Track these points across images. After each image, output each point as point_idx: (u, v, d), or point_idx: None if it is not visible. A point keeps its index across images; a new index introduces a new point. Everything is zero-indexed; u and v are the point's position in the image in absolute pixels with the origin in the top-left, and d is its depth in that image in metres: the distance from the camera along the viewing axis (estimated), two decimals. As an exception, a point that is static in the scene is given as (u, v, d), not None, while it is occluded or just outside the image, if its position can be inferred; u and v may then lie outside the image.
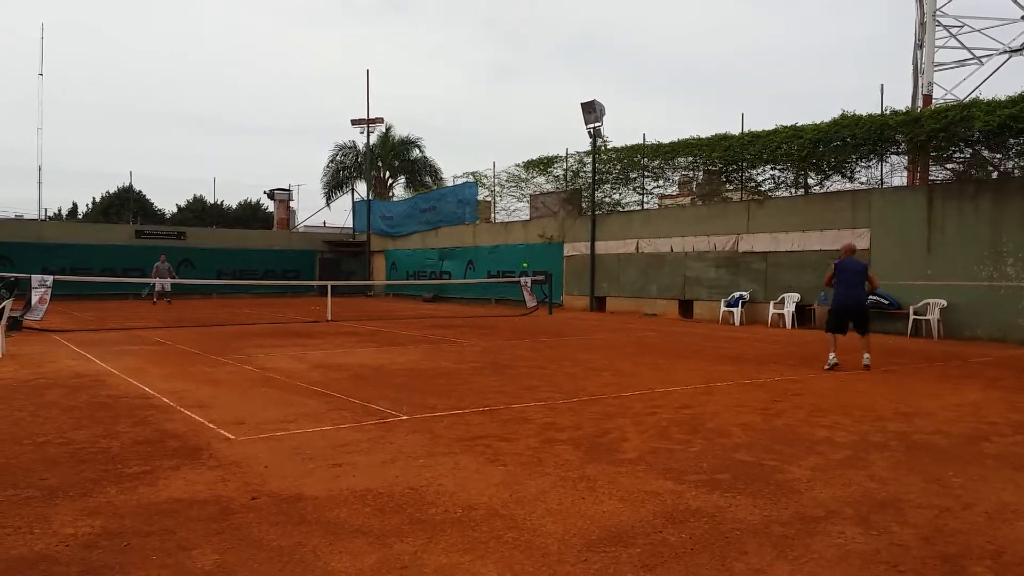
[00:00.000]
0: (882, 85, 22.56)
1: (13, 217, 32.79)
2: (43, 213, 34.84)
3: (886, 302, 16.03)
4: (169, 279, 24.77)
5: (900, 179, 17.80)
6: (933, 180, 16.89)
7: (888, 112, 17.12)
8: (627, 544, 3.48)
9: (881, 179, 17.56)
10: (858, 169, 18.00)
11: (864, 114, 17.35)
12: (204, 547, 3.40)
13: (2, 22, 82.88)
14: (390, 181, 40.69)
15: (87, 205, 47.56)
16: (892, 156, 17.52)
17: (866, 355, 9.82)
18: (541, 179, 27.02)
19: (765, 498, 4.21)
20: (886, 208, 16.60)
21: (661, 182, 23.18)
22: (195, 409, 6.66)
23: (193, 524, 3.70)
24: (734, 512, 3.96)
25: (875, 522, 3.84)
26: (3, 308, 10.68)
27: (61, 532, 3.56)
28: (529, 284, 22.99)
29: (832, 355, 9.70)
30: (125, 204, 39.40)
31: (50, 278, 15.74)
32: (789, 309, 17.63)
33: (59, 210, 47.13)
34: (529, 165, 27.05)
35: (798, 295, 17.79)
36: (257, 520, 3.77)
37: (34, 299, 15.02)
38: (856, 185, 17.98)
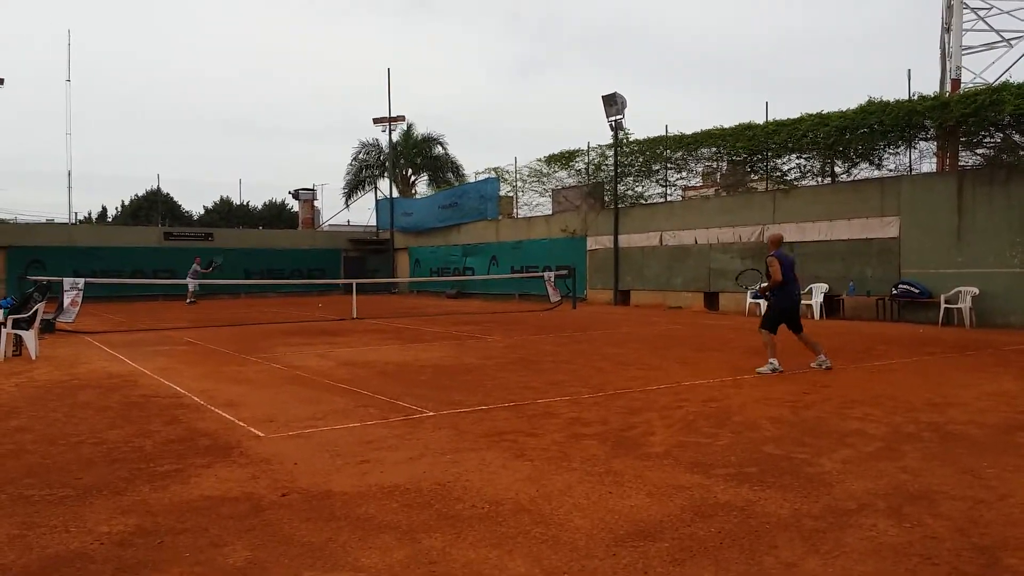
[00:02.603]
0: (909, 70, 22.26)
1: (44, 221, 33.40)
2: (73, 217, 35.51)
3: (916, 291, 15.78)
4: (197, 280, 25.18)
5: (929, 165, 17.50)
6: (963, 166, 16.56)
7: (916, 97, 16.83)
8: (655, 539, 3.46)
9: (910, 166, 17.28)
10: (886, 156, 17.72)
11: (891, 100, 17.08)
12: (236, 544, 3.45)
13: (30, 30, 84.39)
14: (413, 178, 40.84)
15: (116, 209, 48.34)
16: (921, 142, 17.22)
17: (821, 355, 9.00)
18: (563, 173, 26.96)
19: (795, 491, 4.17)
20: (915, 195, 16.32)
21: (684, 173, 23.00)
22: (225, 408, 6.74)
23: (225, 521, 3.75)
24: (764, 506, 3.92)
25: (908, 514, 3.78)
26: (36, 311, 10.88)
27: (96, 530, 3.63)
28: (553, 279, 22.96)
29: (774, 360, 8.73)
30: (153, 207, 39.98)
31: (81, 281, 16.01)
32: (817, 300, 17.41)
33: (89, 214, 47.92)
34: (551, 159, 26.99)
35: (826, 285, 17.56)
36: (287, 516, 3.81)
37: (66, 302, 15.30)
38: (884, 172, 17.70)
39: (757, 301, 18.50)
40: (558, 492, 4.18)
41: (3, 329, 10.51)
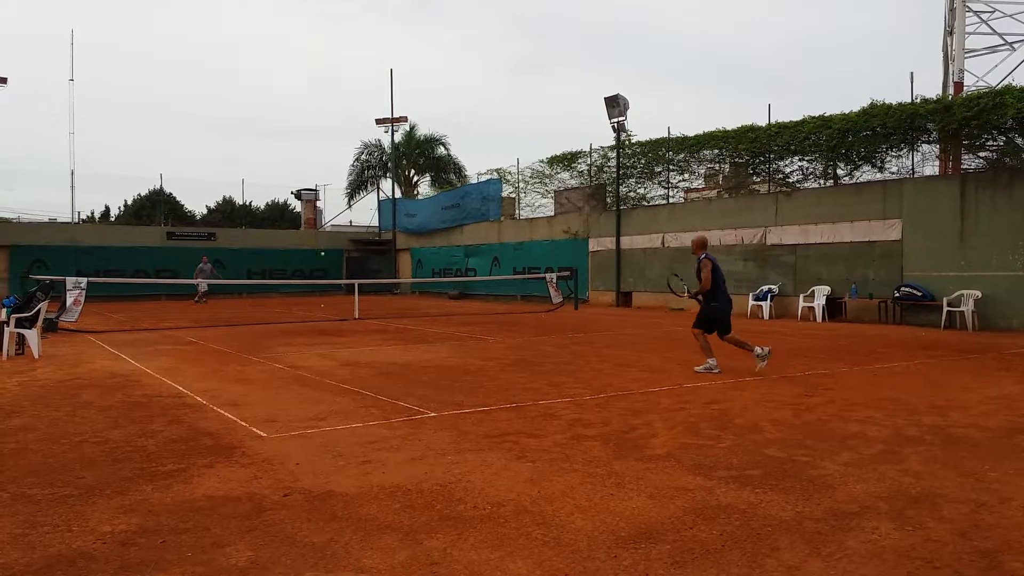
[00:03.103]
0: (912, 73, 22.31)
1: (47, 221, 33.44)
2: (76, 216, 35.51)
3: (919, 294, 15.77)
4: (210, 280, 25.42)
5: (932, 168, 17.49)
6: (966, 169, 16.55)
7: (919, 100, 16.83)
8: (657, 541, 3.47)
9: (912, 169, 17.27)
10: (888, 159, 17.71)
11: (894, 103, 17.08)
12: (238, 544, 3.45)
13: (34, 30, 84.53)
14: (415, 179, 40.86)
15: (119, 208, 48.37)
16: (923, 145, 17.22)
17: (757, 349, 8.78)
18: (565, 175, 26.97)
19: (797, 494, 4.17)
20: (918, 198, 16.31)
21: (687, 175, 23.00)
22: (228, 407, 6.75)
23: (227, 521, 3.76)
24: (766, 508, 3.92)
25: (910, 517, 3.78)
26: (39, 310, 10.90)
27: (98, 529, 3.64)
28: (555, 280, 22.96)
29: (711, 360, 8.75)
30: (156, 206, 40.00)
31: (84, 280, 16.05)
32: (819, 302, 17.40)
33: (92, 213, 47.95)
34: (553, 161, 26.99)
35: (828, 288, 17.56)
36: (289, 517, 3.82)
37: (69, 301, 15.33)
38: (887, 175, 17.70)
39: (759, 303, 18.51)
40: (559, 493, 4.18)
41: (6, 328, 10.53)
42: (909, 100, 16.98)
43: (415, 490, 4.25)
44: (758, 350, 8.74)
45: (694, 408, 6.66)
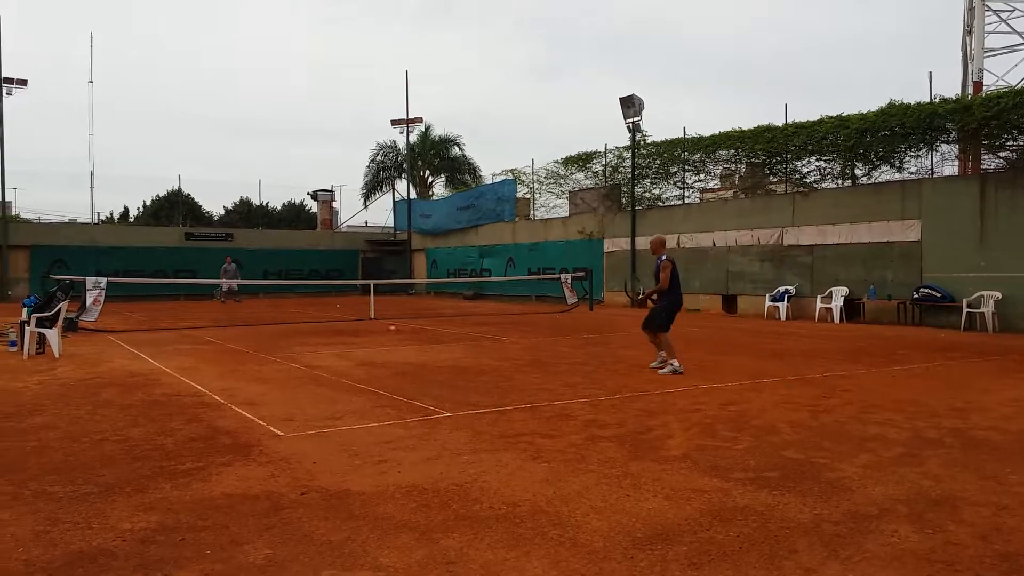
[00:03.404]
0: (931, 73, 22.03)
1: (67, 221, 33.83)
2: (96, 217, 35.91)
3: (938, 295, 15.62)
4: (236, 280, 25.88)
5: (951, 168, 17.30)
6: (985, 169, 16.37)
7: (938, 100, 16.66)
8: (673, 542, 3.46)
9: (931, 169, 17.10)
10: (907, 159, 17.54)
11: (913, 102, 16.92)
12: (256, 541, 3.48)
13: (53, 32, 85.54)
14: (430, 180, 40.96)
15: (138, 209, 48.81)
16: (942, 145, 17.03)
17: (660, 355, 9.12)
18: (580, 175, 26.93)
19: (815, 496, 4.14)
20: (937, 198, 16.15)
21: (702, 176, 22.90)
22: (245, 406, 6.80)
23: (245, 519, 3.79)
24: (783, 510, 3.90)
25: (930, 520, 3.75)
26: (59, 310, 11.03)
27: (118, 527, 3.67)
28: (569, 281, 22.94)
29: (675, 361, 8.82)
30: (174, 207, 40.38)
31: (104, 280, 16.22)
32: (837, 303, 17.27)
33: (111, 214, 48.44)
34: (568, 161, 26.96)
35: (846, 289, 17.42)
36: (307, 515, 3.84)
37: (88, 300, 15.50)
38: (905, 175, 17.53)
39: (776, 304, 18.40)
40: (575, 494, 4.18)
41: (27, 327, 10.66)
42: (928, 100, 16.82)
43: (431, 489, 4.27)
44: (660, 357, 9.05)
45: (710, 409, 6.64)
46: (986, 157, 16.66)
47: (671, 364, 8.81)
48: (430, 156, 39.82)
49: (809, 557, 3.28)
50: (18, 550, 3.36)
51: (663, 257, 9.18)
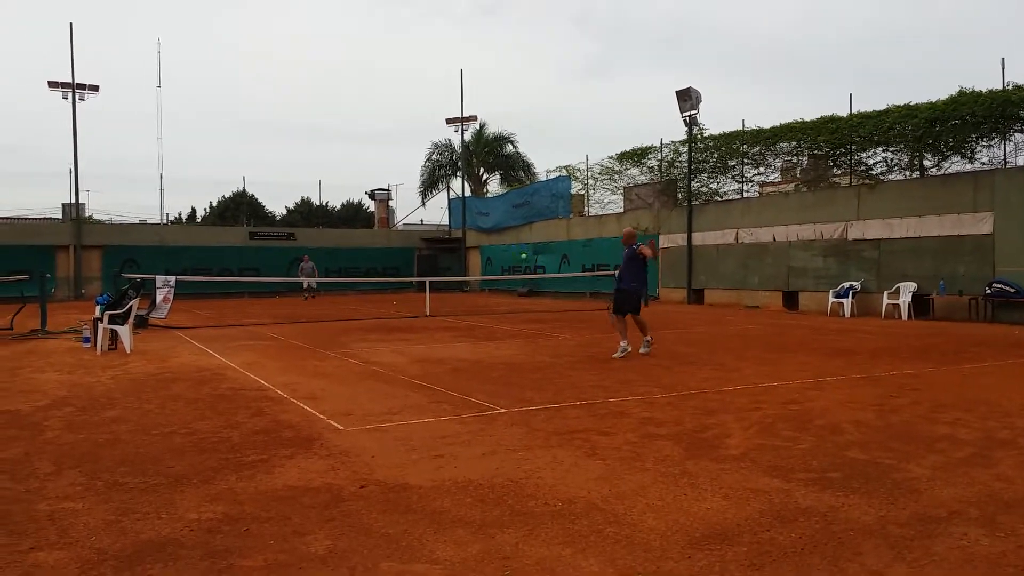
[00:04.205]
0: (1003, 59, 21.03)
1: (138, 222, 35.14)
2: (165, 218, 37.27)
3: (1012, 290, 14.96)
4: (315, 277, 26.96)
5: (1026, 158, 16.54)
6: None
7: (1011, 87, 15.94)
8: (733, 542, 3.40)
9: (1004, 159, 16.37)
10: (979, 149, 16.84)
11: (984, 90, 16.22)
12: (317, 533, 3.56)
13: (124, 38, 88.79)
14: (485, 177, 41.12)
15: (205, 209, 50.44)
16: (1016, 134, 16.28)
17: (646, 338, 10.27)
18: (635, 171, 26.68)
19: (881, 497, 4.01)
20: (1010, 189, 15.46)
21: (762, 169, 22.41)
22: (307, 401, 6.96)
23: (307, 511, 3.87)
24: (847, 512, 3.79)
25: (1002, 523, 3.60)
26: (131, 307, 11.46)
27: (186, 517, 3.80)
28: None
29: (623, 343, 9.96)
30: (239, 207, 41.57)
31: (173, 278, 16.79)
32: (905, 299, 16.69)
33: (179, 215, 50.15)
34: (623, 157, 26.73)
35: (915, 284, 16.82)
36: (366, 508, 3.91)
37: (159, 298, 16.07)
38: (977, 166, 16.83)
39: (840, 300, 17.90)
40: (631, 492, 4.15)
41: (100, 324, 11.12)
42: (1000, 87, 16.11)
43: (486, 485, 4.29)
44: (648, 341, 10.27)
45: (770, 408, 6.50)
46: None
47: (623, 345, 9.89)
48: (484, 154, 39.97)
49: (875, 560, 3.18)
50: (91, 539, 3.51)
51: (636, 246, 10.21)
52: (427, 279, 21.61)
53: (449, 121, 36.56)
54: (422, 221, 42.77)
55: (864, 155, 19.24)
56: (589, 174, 28.79)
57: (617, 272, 10.49)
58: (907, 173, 18.35)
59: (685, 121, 23.05)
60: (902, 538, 3.43)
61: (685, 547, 3.34)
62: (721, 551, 3.29)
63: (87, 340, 11.72)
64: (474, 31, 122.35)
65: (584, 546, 3.36)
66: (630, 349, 9.94)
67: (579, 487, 4.24)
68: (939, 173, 17.56)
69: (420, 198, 41.03)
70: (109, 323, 11.15)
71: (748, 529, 3.56)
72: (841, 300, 17.92)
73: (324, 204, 45.70)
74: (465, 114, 35.70)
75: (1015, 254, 15.20)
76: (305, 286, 27.34)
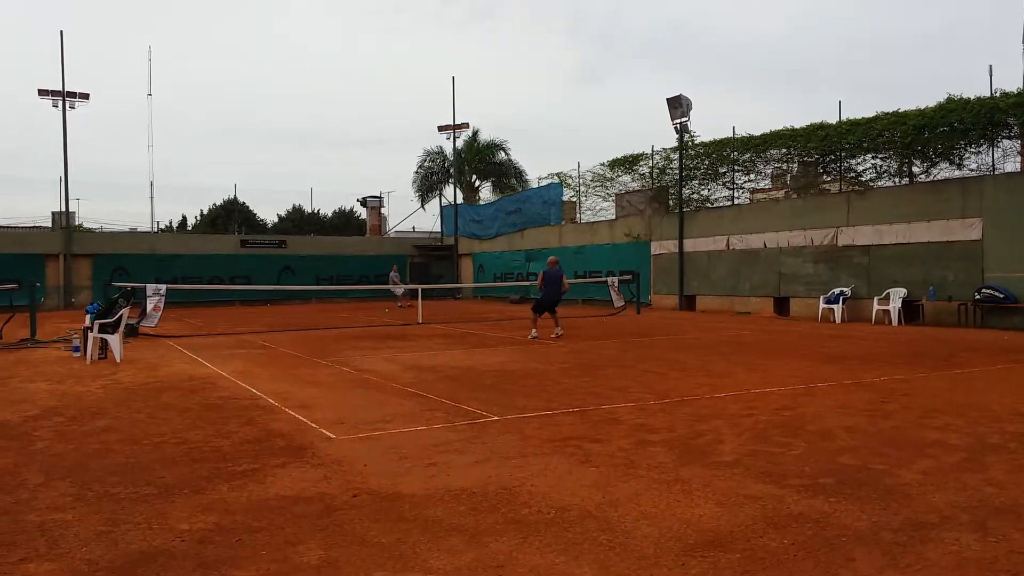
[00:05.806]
0: (991, 67, 21.22)
1: (128, 230, 34.97)
2: (155, 226, 37.09)
3: (1001, 295, 15.07)
4: (401, 285, 27.63)
5: (1013, 164, 16.67)
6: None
7: (998, 94, 16.08)
8: (726, 549, 3.40)
9: (993, 165, 16.51)
10: (967, 155, 16.97)
11: (972, 97, 16.38)
12: (310, 542, 3.54)
13: (114, 46, 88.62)
14: (477, 184, 41.14)
15: (195, 217, 50.13)
16: (1004, 140, 16.44)
17: (558, 328, 14.26)
18: (627, 178, 26.74)
19: (873, 503, 4.03)
20: (999, 196, 15.59)
21: (752, 176, 22.50)
22: (298, 409, 6.94)
23: (299, 520, 3.86)
24: (840, 517, 3.81)
25: (993, 528, 3.62)
26: (121, 316, 11.40)
27: (177, 527, 3.78)
28: (616, 284, 22.78)
29: (534, 331, 14.09)
30: (230, 215, 41.42)
31: (163, 287, 16.71)
32: (895, 305, 16.78)
33: (170, 223, 49.86)
34: (614, 164, 26.81)
35: (904, 290, 16.92)
36: (359, 517, 3.90)
37: (149, 307, 15.99)
38: (965, 172, 16.96)
39: (830, 306, 17.97)
40: (625, 499, 4.15)
41: (90, 333, 11.05)
42: (988, 94, 16.26)
43: (480, 493, 4.28)
44: (558, 331, 14.21)
45: (763, 414, 6.52)
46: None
47: (532, 332, 14.01)
48: (476, 161, 40.00)
49: (867, 566, 3.19)
50: (82, 549, 3.49)
51: (556, 268, 14.54)
52: (419, 286, 21.58)
53: (441, 128, 36.60)
54: (414, 228, 42.73)
55: (854, 162, 19.36)
56: (581, 181, 28.88)
57: (539, 282, 14.70)
58: (896, 180, 18.48)
59: (676, 128, 23.15)
60: (894, 544, 3.44)
61: (679, 554, 3.34)
62: (714, 557, 3.29)
63: (77, 349, 11.65)
64: (467, 38, 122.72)
65: (578, 553, 3.36)
66: (539, 336, 13.81)
67: (572, 494, 4.24)
68: (928, 180, 17.68)
69: (419, 200, 40.98)
70: (99, 332, 11.09)
71: (741, 535, 3.56)
72: (832, 306, 18.00)
73: (316, 212, 45.55)
74: (457, 121, 35.75)
75: (1004, 260, 15.32)
76: (399, 292, 27.81)
